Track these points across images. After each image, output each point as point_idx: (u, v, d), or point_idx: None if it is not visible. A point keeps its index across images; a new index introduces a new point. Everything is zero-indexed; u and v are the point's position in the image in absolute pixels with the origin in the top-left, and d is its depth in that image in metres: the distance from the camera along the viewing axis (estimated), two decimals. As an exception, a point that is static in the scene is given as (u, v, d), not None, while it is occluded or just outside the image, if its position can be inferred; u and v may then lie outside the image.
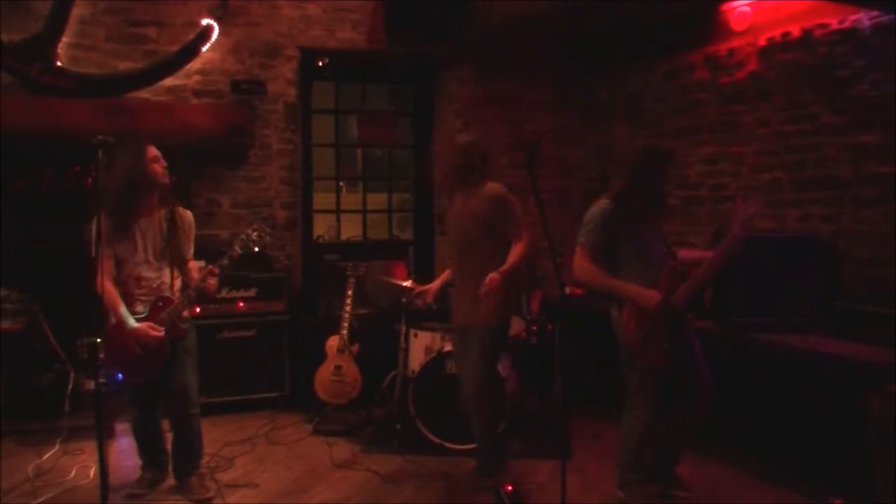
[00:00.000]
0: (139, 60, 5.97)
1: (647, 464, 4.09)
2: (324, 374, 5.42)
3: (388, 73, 7.31)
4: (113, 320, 4.00)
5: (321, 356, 5.48)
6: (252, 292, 5.89)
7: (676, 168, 5.68)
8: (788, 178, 5.20)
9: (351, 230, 7.24)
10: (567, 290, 5.08)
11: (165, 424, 4.37)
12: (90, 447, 4.76)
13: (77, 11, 5.73)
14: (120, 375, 4.18)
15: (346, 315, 5.47)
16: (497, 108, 7.01)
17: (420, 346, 5.26)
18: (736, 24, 5.44)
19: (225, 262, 4.11)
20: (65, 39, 5.70)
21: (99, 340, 3.57)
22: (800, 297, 4.72)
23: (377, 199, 7.65)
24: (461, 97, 6.96)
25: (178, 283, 4.18)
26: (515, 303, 4.51)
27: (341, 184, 7.50)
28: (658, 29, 6.12)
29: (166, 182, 4.10)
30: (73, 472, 4.56)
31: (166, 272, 4.12)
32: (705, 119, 5.85)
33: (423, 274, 6.66)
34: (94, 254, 3.78)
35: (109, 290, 3.97)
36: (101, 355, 3.48)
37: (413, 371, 5.15)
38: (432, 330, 5.27)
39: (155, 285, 4.10)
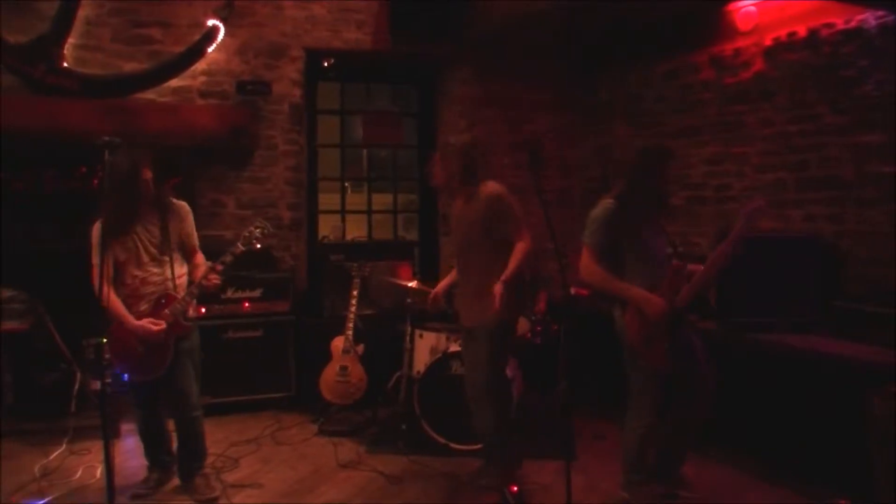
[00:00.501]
0: (144, 61, 5.99)
1: (650, 464, 4.08)
2: (329, 374, 5.43)
3: (392, 74, 7.32)
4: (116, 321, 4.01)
5: (326, 356, 5.48)
6: (257, 293, 5.90)
7: (679, 168, 5.68)
8: (792, 179, 5.19)
9: (356, 230, 7.25)
10: (572, 290, 5.07)
11: (171, 425, 4.38)
12: (96, 447, 4.76)
13: (83, 12, 5.75)
14: (125, 375, 4.20)
15: (352, 315, 5.48)
16: (499, 108, 7.02)
17: (425, 346, 5.27)
18: (741, 24, 5.43)
19: (228, 259, 4.11)
20: (70, 40, 5.72)
21: (105, 341, 3.58)
22: (800, 297, 4.72)
23: (382, 200, 7.65)
24: (464, 97, 6.96)
25: (182, 279, 4.19)
26: (521, 303, 4.49)
27: (346, 184, 7.50)
28: (661, 29, 6.12)
29: (151, 197, 4.07)
30: (80, 472, 4.58)
31: (168, 269, 4.12)
32: (708, 119, 5.84)
33: (429, 274, 6.67)
34: (93, 258, 3.86)
35: (113, 298, 3.97)
36: (107, 355, 3.48)
37: (418, 371, 5.15)
38: (437, 330, 5.27)
39: (159, 280, 4.11)
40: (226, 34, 6.06)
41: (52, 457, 4.82)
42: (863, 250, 4.71)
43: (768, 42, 5.29)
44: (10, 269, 5.44)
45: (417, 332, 5.35)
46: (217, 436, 5.13)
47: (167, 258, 4.12)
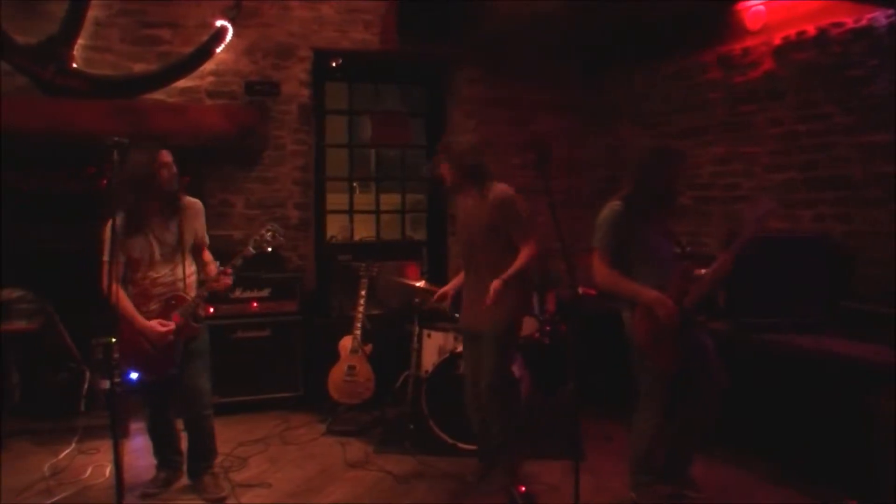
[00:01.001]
0: (153, 62, 6.00)
1: (659, 464, 4.07)
2: (337, 374, 5.43)
3: (400, 74, 7.33)
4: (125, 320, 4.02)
5: (334, 356, 5.49)
6: (265, 293, 5.91)
7: (687, 168, 5.64)
8: (801, 179, 5.17)
9: (364, 231, 7.25)
10: (580, 290, 5.06)
11: (180, 424, 4.40)
12: (105, 446, 4.79)
13: (92, 13, 5.75)
14: (133, 375, 4.20)
15: (359, 315, 5.48)
16: (506, 108, 7.01)
17: (433, 346, 5.27)
18: (750, 23, 5.40)
19: (238, 262, 4.12)
20: (80, 41, 5.73)
21: (114, 340, 3.59)
22: (809, 298, 4.69)
23: (390, 200, 7.65)
24: (472, 98, 6.96)
25: (192, 279, 4.20)
26: (525, 304, 4.48)
27: (354, 184, 7.51)
28: (667, 29, 6.10)
29: (172, 188, 4.09)
30: (89, 471, 4.59)
31: (179, 269, 4.13)
32: (716, 119, 5.82)
33: (437, 274, 6.68)
34: (104, 256, 3.86)
35: (122, 296, 3.98)
36: (116, 355, 3.49)
37: (426, 371, 5.16)
38: (445, 330, 5.27)
39: (169, 280, 4.12)
40: (234, 34, 6.06)
41: (61, 456, 4.83)
42: (871, 251, 4.68)
43: (777, 41, 5.27)
44: (19, 269, 5.46)
45: (425, 331, 5.36)
46: (225, 435, 5.09)
47: (179, 257, 4.13)
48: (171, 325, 4.02)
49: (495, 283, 4.04)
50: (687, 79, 6.11)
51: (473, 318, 4.34)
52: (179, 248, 4.13)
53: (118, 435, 3.35)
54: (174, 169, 4.08)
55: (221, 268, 4.15)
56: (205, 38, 5.99)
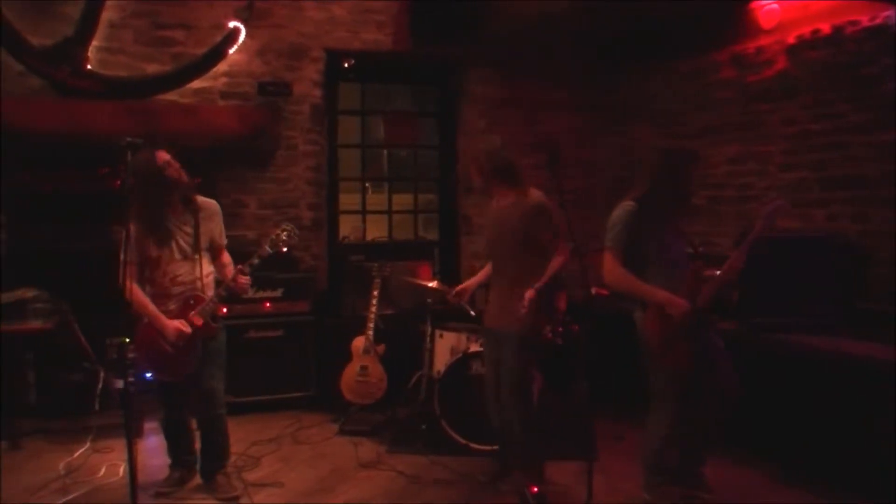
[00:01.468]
0: (167, 63, 6.03)
1: (672, 465, 4.06)
2: (349, 374, 5.44)
3: (412, 74, 7.32)
4: (146, 320, 4.04)
5: (347, 356, 5.49)
6: (278, 293, 5.93)
7: (701, 168, 5.61)
8: (814, 178, 5.15)
9: (376, 231, 7.26)
10: (592, 290, 5.04)
11: (194, 424, 4.42)
12: (119, 445, 4.75)
13: (106, 15, 5.79)
14: (149, 374, 4.23)
15: (372, 315, 5.48)
16: (519, 108, 7.00)
17: (445, 346, 5.26)
18: (764, 22, 5.39)
19: (255, 261, 4.14)
20: (94, 43, 5.77)
21: (128, 340, 3.61)
22: (823, 298, 4.66)
23: (402, 200, 7.65)
24: (484, 98, 6.96)
25: (210, 278, 4.22)
26: (550, 308, 4.46)
27: (367, 184, 7.51)
28: (681, 28, 6.08)
29: (184, 182, 4.09)
30: (103, 470, 4.62)
31: (197, 268, 4.15)
32: (730, 118, 5.81)
33: (449, 274, 6.67)
34: (123, 257, 3.84)
35: (138, 293, 4.00)
36: (131, 355, 3.51)
37: (438, 371, 5.15)
38: (457, 330, 5.27)
39: (188, 280, 4.14)
40: (247, 36, 6.09)
41: (75, 455, 4.86)
42: (885, 250, 4.65)
43: (791, 40, 5.25)
44: (34, 269, 5.50)
45: (437, 332, 5.35)
46: (238, 435, 5.11)
47: (196, 257, 4.15)
48: (192, 326, 4.03)
49: (529, 293, 4.03)
50: (700, 78, 6.09)
51: (501, 319, 4.30)
52: (196, 248, 4.15)
53: (132, 434, 3.36)
54: (177, 164, 4.07)
55: (239, 267, 4.16)
56: (218, 39, 6.02)
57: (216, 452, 4.34)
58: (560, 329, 5.50)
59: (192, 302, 4.10)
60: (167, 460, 4.47)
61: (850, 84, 4.86)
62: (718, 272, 3.80)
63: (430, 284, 5.20)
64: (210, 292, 4.15)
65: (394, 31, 6.57)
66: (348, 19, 6.49)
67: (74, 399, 5.42)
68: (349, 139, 7.25)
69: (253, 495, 4.29)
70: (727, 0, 5.55)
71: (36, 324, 5.21)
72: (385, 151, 7.93)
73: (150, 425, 5.01)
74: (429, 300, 5.30)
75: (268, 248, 4.17)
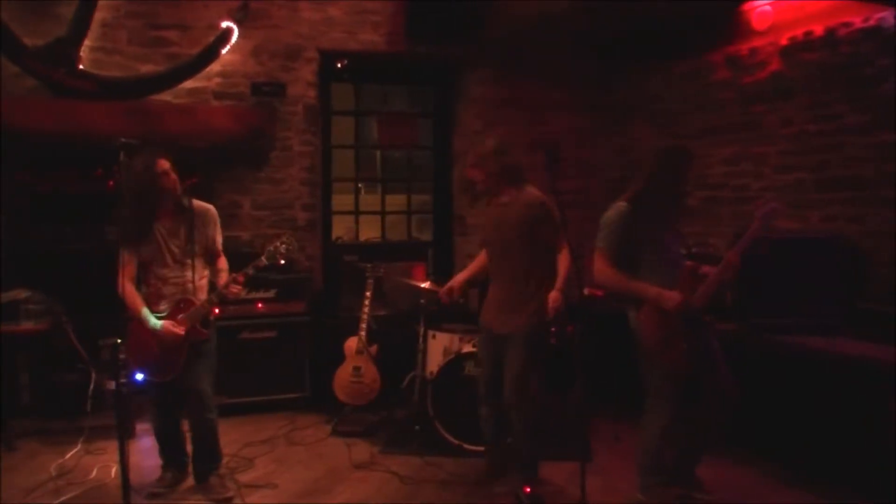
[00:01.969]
0: (161, 63, 6.01)
1: (668, 466, 4.05)
2: (343, 375, 5.42)
3: (408, 75, 7.31)
4: (136, 320, 4.04)
5: (341, 357, 5.48)
6: (272, 293, 5.92)
7: (697, 168, 5.62)
8: (812, 179, 5.14)
9: (370, 232, 7.25)
10: (586, 291, 5.04)
11: (185, 425, 4.39)
12: (112, 447, 4.77)
13: (99, 15, 5.78)
14: (140, 375, 4.21)
15: (365, 316, 5.47)
16: (517, 108, 6.99)
17: (438, 347, 5.25)
18: (757, 24, 5.39)
19: (250, 271, 4.12)
20: (87, 43, 5.76)
21: (119, 341, 3.61)
22: (821, 298, 4.64)
23: (396, 201, 7.64)
24: (481, 98, 6.95)
25: (204, 282, 4.22)
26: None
27: (360, 185, 7.51)
28: (678, 29, 6.07)
29: (176, 193, 4.09)
30: (95, 472, 4.60)
31: (190, 271, 4.14)
32: (727, 119, 5.80)
33: (443, 275, 6.64)
34: (117, 258, 3.90)
35: (130, 291, 4.02)
36: (123, 356, 3.52)
37: (431, 372, 5.14)
38: (451, 331, 5.26)
39: (180, 282, 4.13)
40: (241, 36, 6.08)
41: (67, 456, 4.83)
42: (884, 251, 4.64)
43: (784, 41, 5.25)
44: (27, 270, 5.49)
45: (431, 332, 5.34)
46: (232, 436, 5.13)
47: (189, 260, 4.14)
48: (183, 330, 4.03)
49: (555, 295, 4.10)
50: (698, 79, 6.10)
51: (503, 319, 4.28)
52: (189, 251, 4.14)
53: (124, 435, 3.36)
54: (173, 175, 4.07)
55: (233, 275, 4.15)
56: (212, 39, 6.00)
57: (207, 454, 4.33)
58: (555, 330, 5.50)
59: (182, 305, 4.10)
60: (160, 461, 4.45)
61: (847, 85, 4.86)
62: (712, 272, 3.78)
63: (423, 285, 5.20)
64: (202, 296, 4.15)
65: (389, 31, 6.55)
66: (344, 20, 6.48)
67: (68, 400, 5.38)
68: (343, 140, 7.24)
69: (246, 496, 4.28)
70: (721, 1, 5.55)
71: (29, 325, 5.21)
72: (379, 152, 7.92)
73: (143, 426, 4.99)
74: (422, 301, 5.29)
75: (265, 260, 4.14)
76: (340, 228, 6.96)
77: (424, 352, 5.30)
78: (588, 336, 5.12)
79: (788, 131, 5.29)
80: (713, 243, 5.74)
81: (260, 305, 5.87)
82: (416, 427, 5.11)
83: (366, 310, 5.48)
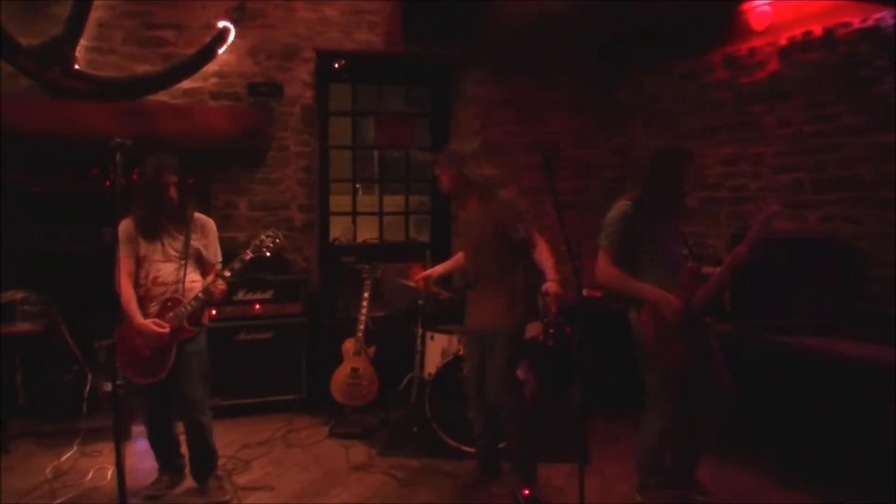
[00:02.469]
0: (157, 63, 5.98)
1: (666, 467, 4.05)
2: (340, 376, 5.41)
3: (405, 75, 7.29)
4: (125, 320, 4.03)
5: (338, 358, 5.46)
6: (269, 294, 5.89)
7: (695, 169, 5.62)
8: (809, 179, 5.15)
9: (367, 232, 7.22)
10: (585, 292, 5.02)
11: (180, 427, 4.36)
12: (108, 449, 4.77)
13: (95, 14, 5.75)
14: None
15: (363, 317, 5.45)
16: (515, 109, 6.97)
17: (436, 348, 5.23)
18: (756, 24, 5.39)
19: (237, 265, 4.13)
20: (83, 43, 5.73)
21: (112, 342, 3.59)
22: (821, 299, 4.64)
23: (394, 201, 7.62)
24: (479, 98, 6.93)
25: (195, 285, 4.19)
26: (535, 305, 4.47)
27: (357, 186, 7.48)
28: (677, 29, 6.06)
29: (175, 203, 4.11)
30: (91, 474, 4.58)
31: (181, 272, 4.14)
32: (725, 119, 5.81)
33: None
34: (115, 257, 3.89)
35: (126, 288, 4.02)
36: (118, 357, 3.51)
37: (429, 374, 5.13)
38: (449, 332, 5.23)
39: (170, 282, 4.12)
40: (238, 36, 6.06)
41: (63, 458, 4.81)
42: (881, 252, 4.65)
43: (783, 42, 5.25)
44: (23, 270, 5.46)
45: (429, 334, 5.32)
46: (228, 438, 5.12)
47: (182, 261, 4.14)
48: (167, 327, 4.01)
49: (553, 287, 4.08)
50: (695, 79, 6.10)
51: (487, 319, 4.30)
52: (184, 254, 4.14)
53: (121, 437, 3.33)
54: (174, 193, 4.10)
55: (220, 270, 4.16)
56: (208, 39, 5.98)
57: (203, 456, 4.31)
58: (552, 331, 5.49)
59: (169, 304, 4.08)
60: (156, 464, 4.43)
61: (845, 86, 4.86)
62: (713, 273, 3.78)
63: (412, 283, 5.16)
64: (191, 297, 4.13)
65: (386, 31, 6.53)
66: (340, 20, 6.45)
67: (64, 402, 5.34)
68: (340, 140, 7.22)
69: (243, 499, 4.27)
70: (719, 1, 5.54)
71: (25, 325, 5.18)
72: (376, 152, 7.89)
73: (139, 428, 4.94)
74: (420, 302, 5.27)
75: (250, 253, 4.15)
76: (338, 229, 6.93)
77: (422, 353, 5.28)
78: (586, 337, 5.11)
79: (786, 132, 5.29)
80: (712, 244, 5.73)
81: (257, 307, 5.84)
82: (414, 429, 5.09)
83: (363, 311, 5.47)
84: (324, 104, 6.88)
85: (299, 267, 6.42)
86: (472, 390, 4.46)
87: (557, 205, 3.59)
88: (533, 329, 5.29)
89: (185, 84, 6.03)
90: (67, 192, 5.71)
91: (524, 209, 4.26)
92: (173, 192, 4.07)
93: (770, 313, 4.70)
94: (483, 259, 4.32)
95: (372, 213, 7.39)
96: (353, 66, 6.74)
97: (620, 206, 3.87)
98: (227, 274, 4.11)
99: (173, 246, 4.13)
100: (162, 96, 5.97)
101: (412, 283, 5.14)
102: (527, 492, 4.15)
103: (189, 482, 4.40)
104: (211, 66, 6.07)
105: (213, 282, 4.10)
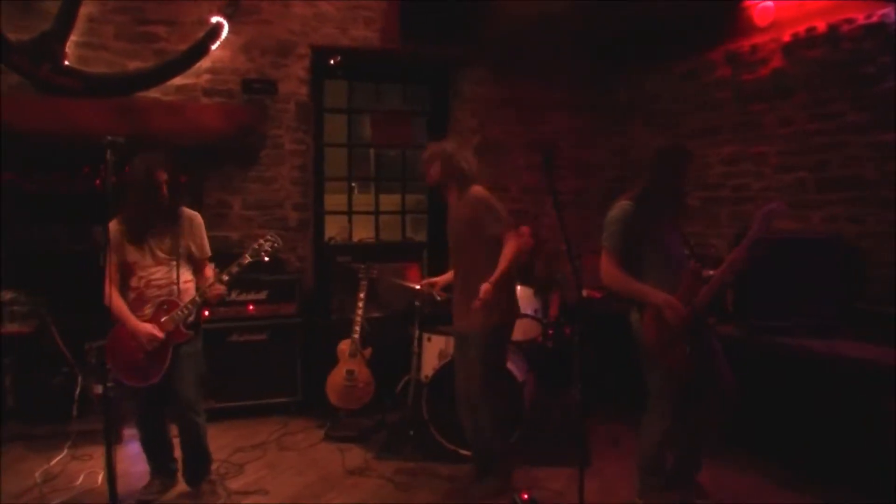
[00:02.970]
0: (149, 59, 5.91)
1: (667, 469, 4.00)
2: (336, 378, 5.35)
3: (402, 73, 7.23)
4: (118, 324, 3.98)
5: (334, 360, 5.41)
6: (263, 295, 5.81)
7: (696, 168, 5.59)
8: (812, 179, 5.11)
9: (363, 232, 7.16)
10: (584, 292, 4.97)
11: (174, 430, 4.31)
12: (98, 452, 4.72)
13: (85, 10, 5.66)
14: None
15: (359, 318, 5.39)
16: (514, 108, 6.95)
17: (434, 350, 5.18)
18: (759, 20, 5.36)
19: (234, 269, 4.09)
20: (73, 38, 5.64)
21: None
22: (821, 300, 4.63)
23: (390, 200, 7.56)
24: (477, 97, 6.89)
25: (189, 285, 4.15)
26: (513, 305, 4.43)
27: (353, 184, 7.42)
28: (677, 28, 6.03)
29: (166, 202, 4.06)
30: (81, 478, 4.53)
31: (174, 273, 4.09)
32: (726, 118, 5.78)
33: (438, 276, 6.58)
34: (102, 261, 3.81)
35: (118, 299, 3.96)
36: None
37: (426, 376, 5.08)
38: (446, 334, 5.17)
39: (164, 284, 4.07)
40: (231, 31, 5.98)
41: (53, 462, 4.76)
42: (884, 252, 4.62)
43: (787, 38, 5.21)
44: (12, 270, 5.39)
45: (426, 335, 5.27)
46: (222, 441, 5.07)
47: (174, 263, 4.09)
48: (163, 333, 3.97)
49: (485, 287, 4.05)
50: (696, 78, 6.08)
51: (463, 319, 4.33)
52: (175, 254, 4.10)
53: (112, 441, 3.29)
54: (165, 192, 4.05)
55: (217, 273, 4.11)
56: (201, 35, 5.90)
57: (196, 459, 4.26)
58: (551, 332, 5.45)
59: (165, 307, 4.03)
60: (148, 467, 4.37)
61: (848, 83, 4.83)
62: (715, 273, 3.74)
63: (417, 287, 5.12)
64: (187, 298, 4.08)
65: (383, 28, 6.47)
66: (336, 16, 6.39)
67: (54, 404, 5.29)
68: (336, 138, 7.15)
69: (237, 503, 4.21)
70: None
71: (14, 327, 5.14)
72: (372, 151, 7.85)
73: (131, 431, 4.88)
74: (417, 303, 5.20)
75: (249, 257, 4.11)
76: (333, 228, 6.87)
77: (419, 355, 5.23)
78: (586, 337, 5.07)
79: (788, 130, 5.27)
80: (713, 244, 5.70)
81: (251, 307, 5.77)
82: (411, 432, 5.04)
83: (359, 312, 5.41)
84: (319, 101, 6.81)
85: (294, 267, 6.36)
86: (458, 393, 4.45)
87: (558, 205, 3.57)
88: (531, 330, 5.26)
89: (178, 81, 5.95)
90: (58, 192, 5.64)
91: (499, 206, 4.25)
92: (165, 191, 4.02)
93: (770, 314, 4.69)
94: (461, 255, 4.37)
95: (368, 213, 7.34)
96: (350, 63, 6.67)
97: (622, 206, 3.84)
98: (226, 278, 4.08)
99: (162, 247, 4.08)
100: (154, 93, 5.89)
101: (412, 285, 5.09)
102: (525, 496, 4.11)
103: (181, 486, 4.34)
104: (204, 63, 5.99)
105: (211, 285, 4.05)
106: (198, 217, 4.25)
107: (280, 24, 6.25)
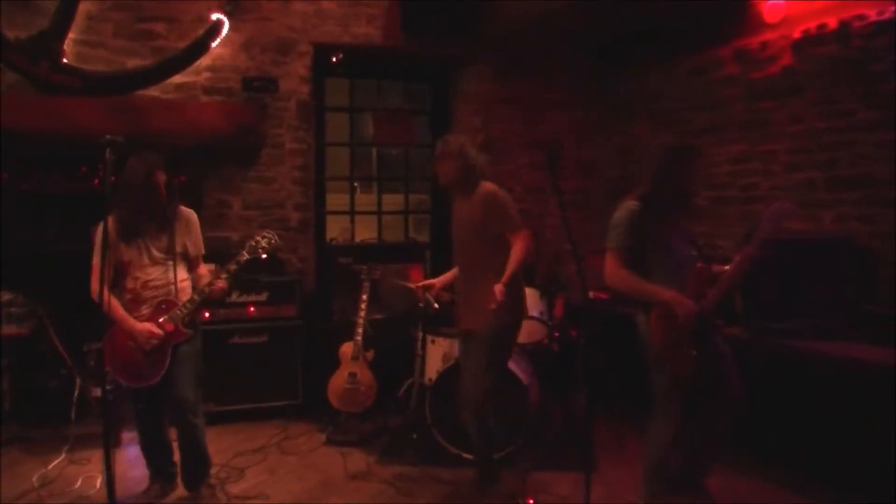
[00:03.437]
0: (148, 57, 5.85)
1: (673, 474, 3.94)
2: (337, 381, 5.29)
3: (404, 70, 7.19)
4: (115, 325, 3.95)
5: (335, 362, 5.35)
6: (263, 296, 5.76)
7: (704, 167, 5.53)
8: (822, 178, 5.05)
9: (365, 232, 7.11)
10: (590, 294, 4.91)
11: (173, 434, 4.27)
12: (97, 456, 4.67)
13: (84, 7, 5.61)
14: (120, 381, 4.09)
15: (361, 320, 5.33)
16: (516, 106, 6.89)
17: (437, 352, 5.12)
18: (769, 17, 5.29)
19: (232, 267, 4.06)
20: (71, 36, 5.59)
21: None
22: (830, 301, 4.58)
23: (393, 200, 7.51)
24: (479, 95, 6.83)
25: (186, 283, 4.12)
26: (521, 305, 4.37)
27: (355, 184, 7.37)
28: (684, 24, 5.97)
29: (163, 203, 4.02)
30: (79, 482, 4.50)
31: (171, 273, 4.06)
32: (734, 116, 5.71)
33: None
34: (94, 258, 3.90)
35: (113, 301, 3.90)
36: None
37: (430, 379, 5.02)
38: (450, 336, 5.10)
39: (161, 284, 4.03)
40: (231, 29, 5.93)
41: (51, 466, 4.73)
42: (891, 252, 4.56)
43: (797, 35, 5.15)
44: (10, 272, 5.35)
45: (430, 337, 5.20)
46: (221, 445, 5.03)
47: (171, 262, 4.06)
48: (162, 333, 3.93)
49: (499, 287, 3.99)
50: (703, 75, 6.01)
51: (467, 318, 4.30)
52: (171, 253, 4.06)
53: (110, 444, 3.26)
54: (163, 192, 4.01)
55: (217, 270, 4.09)
56: (201, 32, 5.84)
57: (196, 462, 4.22)
58: (556, 335, 5.40)
59: (163, 307, 4.00)
60: (147, 472, 4.33)
61: (859, 80, 4.76)
62: (722, 274, 3.68)
63: (415, 286, 5.05)
64: (185, 297, 4.05)
65: (385, 25, 6.41)
66: (338, 12, 6.33)
67: (51, 407, 5.26)
68: (337, 137, 7.10)
69: (237, 508, 4.20)
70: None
71: (11, 328, 5.11)
72: (374, 150, 7.80)
73: (129, 435, 4.89)
74: (420, 304, 5.14)
75: (246, 254, 4.08)
76: (335, 229, 6.81)
77: (423, 357, 5.16)
78: (592, 340, 5.02)
79: (798, 128, 5.20)
80: (721, 244, 5.63)
81: (251, 309, 5.71)
82: (414, 435, 4.99)
83: (361, 314, 5.36)
84: (320, 100, 6.76)
85: (295, 268, 6.30)
86: (464, 392, 4.39)
87: (562, 204, 3.51)
88: (536, 333, 5.20)
89: (177, 78, 5.89)
90: (56, 192, 5.59)
91: (510, 204, 4.22)
92: (163, 191, 3.98)
93: (776, 316, 4.65)
94: (467, 254, 4.34)
95: (370, 213, 7.29)
96: (351, 61, 6.61)
97: (627, 206, 3.79)
98: (224, 276, 4.05)
99: (157, 246, 4.03)
100: (153, 91, 5.83)
101: (412, 285, 5.03)
102: (531, 501, 4.10)
103: (181, 491, 4.30)
104: (204, 61, 5.94)
105: (211, 283, 4.02)
106: (194, 215, 4.22)
107: (281, 22, 6.19)
